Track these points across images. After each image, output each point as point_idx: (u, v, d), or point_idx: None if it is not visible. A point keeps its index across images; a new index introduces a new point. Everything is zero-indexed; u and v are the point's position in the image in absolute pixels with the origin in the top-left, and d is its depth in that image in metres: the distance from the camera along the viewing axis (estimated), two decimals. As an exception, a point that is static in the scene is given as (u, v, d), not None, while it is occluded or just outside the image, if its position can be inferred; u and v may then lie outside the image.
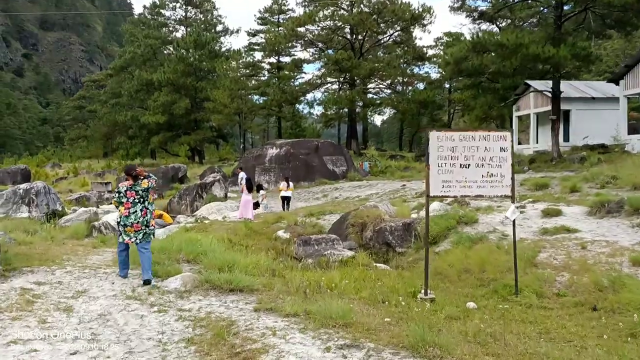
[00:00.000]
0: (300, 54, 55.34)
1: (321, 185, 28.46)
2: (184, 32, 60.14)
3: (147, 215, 7.76)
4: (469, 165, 7.64)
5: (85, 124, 77.29)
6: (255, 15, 79.05)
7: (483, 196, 7.86)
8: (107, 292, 6.71)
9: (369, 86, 54.83)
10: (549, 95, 34.33)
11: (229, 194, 26.73)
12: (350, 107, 47.12)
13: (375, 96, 56.92)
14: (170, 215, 20.11)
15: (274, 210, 21.84)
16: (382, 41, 54.59)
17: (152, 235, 7.88)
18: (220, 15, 65.09)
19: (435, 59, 60.41)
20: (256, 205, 20.74)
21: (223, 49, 58.34)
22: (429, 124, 65.64)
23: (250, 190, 18.91)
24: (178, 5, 60.72)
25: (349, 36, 49.71)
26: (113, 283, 7.08)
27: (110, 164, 49.55)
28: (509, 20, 41.42)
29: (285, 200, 21.52)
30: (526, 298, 7.50)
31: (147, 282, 7.24)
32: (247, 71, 56.76)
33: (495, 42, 25.81)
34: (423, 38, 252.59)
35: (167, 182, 32.46)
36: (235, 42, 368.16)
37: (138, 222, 7.60)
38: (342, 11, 46.35)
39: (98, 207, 23.49)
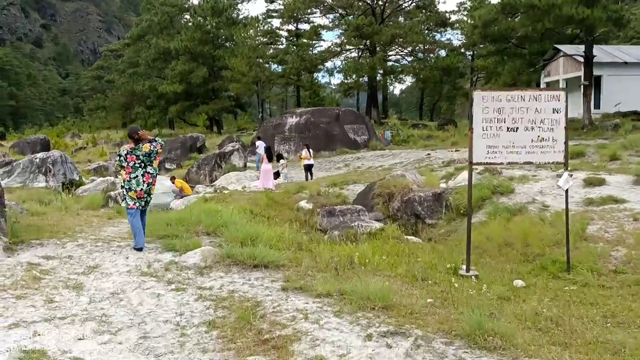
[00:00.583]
0: (319, 20, 53.88)
1: (342, 155, 27.72)
2: (201, -1, 58.91)
3: (150, 182, 7.35)
4: (517, 128, 6.85)
5: (103, 94, 77.03)
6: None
7: (532, 163, 7.09)
8: (121, 267, 6.16)
9: (389, 53, 53.35)
10: (580, 60, 32.85)
11: (248, 164, 26.15)
12: (371, 74, 45.87)
13: (396, 64, 55.45)
14: (190, 186, 19.62)
15: (294, 179, 21.23)
16: (403, 6, 52.83)
17: (147, 207, 7.59)
18: (237, -18, 63.43)
19: (458, 25, 58.43)
20: (276, 174, 20.15)
21: (240, 17, 57.06)
22: (451, 92, 64.17)
23: (270, 159, 18.29)
24: (195, -29, 59.32)
25: (369, 1, 48.08)
26: (127, 258, 6.53)
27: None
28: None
29: (308, 169, 20.86)
30: (580, 275, 6.78)
31: (138, 250, 7.05)
32: (265, 39, 55.55)
33: (526, 3, 24.46)
34: (447, 2, 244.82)
35: (185, 152, 32.00)
36: (253, 9, 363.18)
37: (142, 189, 7.24)
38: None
39: (116, 176, 23.14)
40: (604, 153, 17.56)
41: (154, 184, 7.51)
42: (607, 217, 8.95)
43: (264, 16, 56.35)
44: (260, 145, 25.49)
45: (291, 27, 56.13)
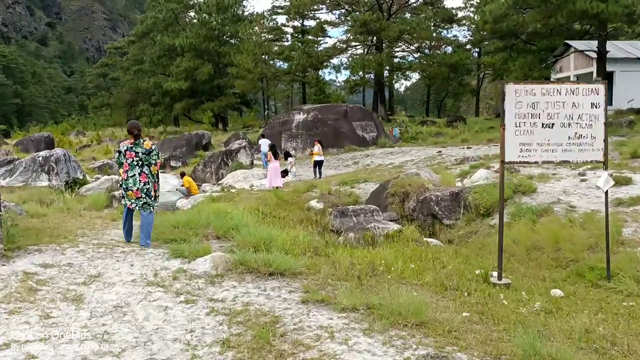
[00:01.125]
0: (325, 16, 53.12)
1: (351, 152, 27.20)
2: (206, -5, 58.35)
3: (147, 182, 7.03)
4: (553, 124, 6.32)
5: (108, 92, 76.72)
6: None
7: (569, 162, 6.56)
8: (125, 276, 5.66)
9: (395, 50, 52.70)
10: (591, 55, 32.23)
11: (255, 162, 25.67)
12: (378, 70, 45.24)
13: (402, 60, 54.78)
14: (196, 184, 19.14)
15: (302, 177, 20.73)
16: (410, 2, 52.17)
17: (152, 207, 7.21)
18: (242, -21, 62.82)
19: (464, 22, 57.79)
20: (284, 172, 19.67)
21: (246, 13, 56.55)
22: (457, 89, 63.46)
23: (276, 157, 17.81)
24: (200, -32, 58.76)
25: (375, -3, 47.48)
26: (132, 265, 6.03)
27: (134, 132, 48.83)
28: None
29: (318, 165, 20.31)
30: (622, 284, 6.24)
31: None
32: (271, 36, 55.03)
33: (539, -3, 23.89)
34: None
35: (190, 149, 31.55)
36: (258, 6, 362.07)
37: (138, 188, 6.98)
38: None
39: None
40: (624, 151, 17.00)
41: (153, 188, 7.14)
42: (641, 218, 8.41)
43: (269, 13, 55.85)
44: (264, 143, 25.08)
45: (297, 23, 55.59)
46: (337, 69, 49.69)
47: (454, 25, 57.80)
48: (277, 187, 17.02)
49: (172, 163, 30.41)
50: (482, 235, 10.01)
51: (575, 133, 6.34)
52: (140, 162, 6.94)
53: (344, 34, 54.15)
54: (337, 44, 52.07)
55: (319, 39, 56.18)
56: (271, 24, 54.96)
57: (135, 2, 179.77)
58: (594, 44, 31.49)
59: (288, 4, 52.20)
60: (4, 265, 5.74)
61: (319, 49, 52.59)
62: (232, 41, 55.04)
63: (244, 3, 58.73)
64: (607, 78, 32.29)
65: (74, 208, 10.45)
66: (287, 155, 21.43)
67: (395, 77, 56.57)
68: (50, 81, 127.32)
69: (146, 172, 6.99)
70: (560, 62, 35.78)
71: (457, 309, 4.99)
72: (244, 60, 45.82)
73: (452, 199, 11.93)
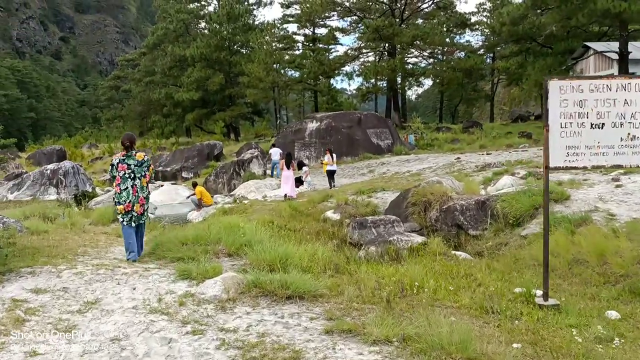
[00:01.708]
0: (336, 23, 52.82)
1: (366, 160, 26.52)
2: (216, 6, 58.24)
3: (137, 195, 6.81)
4: (603, 124, 5.62)
5: (120, 104, 76.83)
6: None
7: (622, 167, 5.85)
8: (126, 302, 5.04)
9: (408, 56, 52.04)
10: (611, 57, 31.35)
11: (267, 171, 25.09)
12: (391, 77, 44.59)
13: (414, 66, 54.13)
14: (209, 194, 18.55)
15: (317, 187, 20.10)
16: (422, 7, 51.57)
17: (139, 226, 6.96)
18: (252, -12, 62.74)
19: (477, 27, 57.14)
20: (298, 182, 19.08)
21: (256, 22, 56.32)
22: (471, 94, 62.64)
23: (289, 166, 17.23)
24: (210, -22, 58.75)
25: (387, 3, 46.92)
26: (134, 289, 5.41)
27: (146, 143, 48.61)
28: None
29: (331, 174, 19.71)
30: (687, 304, 5.51)
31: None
32: (282, 45, 54.70)
33: (559, -3, 23.14)
34: (468, 1, 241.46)
35: (202, 160, 31.11)
36: (268, 15, 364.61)
37: (130, 201, 6.77)
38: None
39: (152, 182, 22.26)
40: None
41: (139, 202, 6.87)
42: (693, 228, 7.65)
43: (280, 21, 55.58)
44: (275, 152, 24.66)
45: (308, 31, 55.25)
46: (349, 76, 49.13)
47: (467, 30, 57.21)
48: (289, 198, 16.44)
49: (184, 174, 29.97)
50: (514, 247, 9.28)
51: (629, 134, 5.64)
52: (133, 175, 6.77)
53: (355, 42, 53.76)
54: (349, 51, 51.61)
55: (330, 46, 55.78)
56: (282, 32, 54.70)
57: (147, 15, 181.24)
58: (613, 45, 30.63)
59: (299, 12, 51.89)
60: (-9, 291, 5.16)
61: (330, 56, 52.17)
62: (243, 50, 54.79)
63: (255, 12, 58.28)
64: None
65: (79, 223, 9.90)
66: (300, 164, 20.82)
67: (407, 83, 55.92)
68: (64, 95, 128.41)
69: (137, 185, 6.78)
70: (579, 64, 34.90)
71: (505, 338, 4.30)
72: (255, 69, 45.45)
73: (478, 208, 11.21)
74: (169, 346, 4.12)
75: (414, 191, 12.95)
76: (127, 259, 6.75)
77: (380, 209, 14.44)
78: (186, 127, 60.51)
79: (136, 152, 6.86)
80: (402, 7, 46.94)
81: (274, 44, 52.08)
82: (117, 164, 6.80)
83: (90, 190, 17.96)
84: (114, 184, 6.96)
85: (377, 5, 48.01)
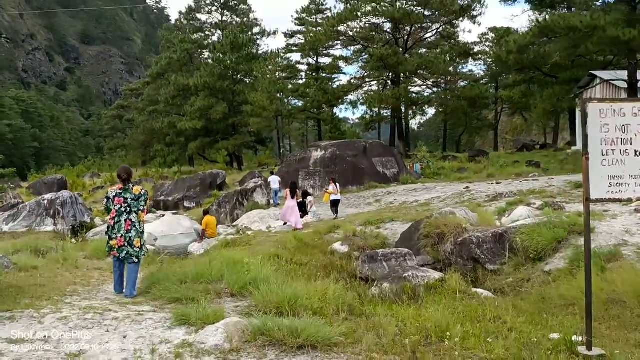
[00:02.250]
0: (339, 52, 53.07)
1: (372, 189, 25.94)
2: (220, 36, 58.68)
3: (130, 230, 6.58)
4: (649, 151, 5.07)
5: (123, 134, 76.96)
6: (292, 16, 77.35)
7: (671, 198, 5.30)
8: (114, 354, 4.40)
9: (412, 85, 52.06)
10: (619, 85, 31.03)
11: (271, 201, 24.52)
12: (396, 105, 44.42)
13: (416, 95, 54.16)
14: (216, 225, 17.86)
15: (322, 217, 19.50)
16: (425, 37, 51.78)
17: (137, 258, 6.71)
18: (256, 19, 63.33)
19: (480, 56, 57.33)
20: (303, 211, 18.51)
21: (260, 52, 56.60)
22: (475, 123, 62.51)
23: (293, 195, 16.72)
24: (214, 9, 59.30)
25: (391, 32, 47.10)
26: (125, 337, 4.77)
27: (148, 172, 48.25)
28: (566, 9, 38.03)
29: (336, 204, 19.16)
30: None
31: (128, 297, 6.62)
32: (285, 74, 54.86)
33: (566, 25, 22.81)
34: (472, 31, 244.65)
35: (205, 189, 30.57)
36: (272, 44, 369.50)
37: (121, 235, 6.56)
38: (384, 5, 43.55)
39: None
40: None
41: (137, 236, 6.62)
42: None
43: (283, 51, 55.84)
44: (274, 180, 24.24)
45: (311, 60, 55.46)
46: (353, 104, 48.94)
47: (469, 60, 57.37)
48: (293, 227, 15.89)
49: (186, 204, 29.41)
50: (538, 284, 8.62)
51: (677, 161, 5.07)
52: (129, 209, 6.61)
53: (358, 72, 53.80)
54: (352, 80, 51.63)
55: (333, 75, 55.91)
56: (285, 62, 54.89)
57: (152, 47, 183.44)
58: (620, 73, 30.34)
59: (302, 41, 52.13)
60: (-40, 341, 4.53)
61: (333, 85, 52.23)
62: (247, 79, 54.91)
63: (258, 42, 58.60)
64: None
65: (72, 257, 9.27)
66: (305, 194, 20.27)
67: (412, 112, 55.86)
68: (68, 124, 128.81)
69: (132, 219, 6.61)
70: (585, 93, 34.56)
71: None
72: (258, 98, 45.35)
73: (496, 240, 10.58)
74: (162, 412, 3.49)
75: (426, 222, 12.35)
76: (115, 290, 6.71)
77: (390, 240, 13.84)
78: (189, 156, 60.31)
79: (133, 186, 6.73)
80: (406, 37, 47.07)
81: (277, 73, 52.23)
82: (114, 197, 6.66)
83: (88, 221, 17.40)
84: (108, 218, 6.73)
85: (381, 35, 48.17)
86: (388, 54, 39.19)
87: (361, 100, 48.68)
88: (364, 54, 48.92)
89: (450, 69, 50.67)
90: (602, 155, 5.05)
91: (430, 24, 47.83)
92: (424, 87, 55.06)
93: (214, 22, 60.56)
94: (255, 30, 60.69)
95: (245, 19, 60.60)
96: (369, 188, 26.47)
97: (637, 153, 5.06)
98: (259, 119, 47.34)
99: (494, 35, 57.22)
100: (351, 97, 50.15)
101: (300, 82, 55.75)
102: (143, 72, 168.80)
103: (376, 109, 50.87)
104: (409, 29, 46.38)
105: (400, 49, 44.01)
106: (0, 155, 45.31)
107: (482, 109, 56.09)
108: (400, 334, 5.16)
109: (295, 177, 27.19)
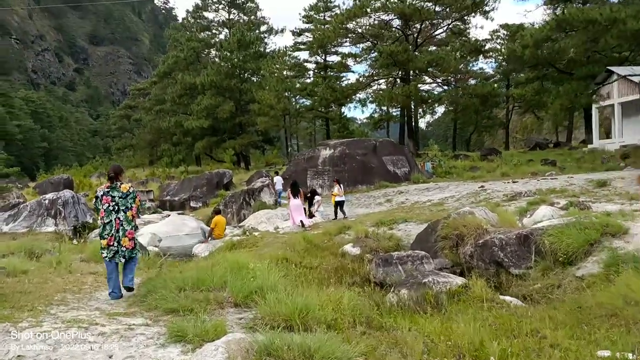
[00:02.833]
0: (348, 49, 52.08)
1: (382, 189, 25.21)
2: (227, 34, 58.15)
3: (119, 229, 6.34)
4: None
5: (131, 133, 76.70)
6: (300, 14, 76.78)
7: None
8: (95, 379, 3.75)
9: (421, 83, 51.29)
10: (637, 82, 30.12)
11: (279, 201, 23.89)
12: (406, 103, 43.64)
13: (425, 94, 53.41)
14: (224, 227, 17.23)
15: (330, 217, 18.82)
16: (435, 34, 50.95)
17: (130, 259, 6.50)
18: (264, 17, 62.75)
19: (491, 54, 56.40)
20: (310, 213, 17.95)
21: (268, 50, 55.97)
22: (486, 122, 61.58)
23: (295, 195, 16.20)
24: (221, 7, 58.77)
25: (401, 29, 46.30)
26: (110, 357, 4.12)
27: (155, 172, 47.82)
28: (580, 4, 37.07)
29: (340, 205, 18.52)
30: None
31: (128, 289, 6.43)
32: (293, 72, 54.21)
33: (585, 18, 22.03)
34: (484, 27, 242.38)
35: (211, 189, 30.00)
36: (280, 42, 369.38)
37: (112, 234, 6.34)
38: (393, 2, 42.76)
39: (138, 217, 21.12)
40: None
41: (127, 236, 6.40)
42: None
43: (291, 49, 55.18)
44: (278, 180, 24.00)
45: (319, 59, 54.77)
46: (362, 102, 48.18)
47: (480, 57, 56.48)
48: (303, 225, 15.31)
49: (192, 203, 28.86)
50: (570, 291, 7.89)
51: None
52: (117, 207, 6.38)
53: (367, 70, 53.05)
54: (361, 78, 50.88)
55: (341, 74, 55.22)
56: (293, 60, 54.25)
57: (160, 47, 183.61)
58: (637, 69, 29.45)
59: (310, 39, 51.45)
60: None
61: (342, 84, 51.54)
62: (254, 78, 54.36)
63: (266, 40, 57.99)
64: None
65: (66, 260, 8.66)
66: (314, 193, 19.62)
67: (421, 110, 55.05)
68: (76, 125, 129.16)
69: (121, 217, 6.37)
70: (604, 89, 33.66)
71: None
72: (266, 97, 44.72)
73: (520, 242, 9.84)
74: None
75: (443, 223, 11.61)
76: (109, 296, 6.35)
77: (404, 242, 13.13)
78: (196, 156, 59.88)
79: (121, 184, 6.53)
80: (416, 34, 46.27)
81: (285, 72, 51.57)
82: (102, 196, 6.45)
83: (90, 221, 16.83)
84: (99, 217, 6.44)
85: (390, 32, 47.38)
86: (398, 51, 38.41)
87: (370, 99, 47.94)
88: (373, 51, 48.17)
89: (461, 66, 49.86)
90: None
91: (440, 20, 46.98)
92: (433, 85, 54.31)
93: (221, 21, 60.10)
94: (263, 28, 60.10)
95: (253, 17, 60.03)
96: (379, 187, 25.75)
97: None
98: (266, 117, 46.71)
99: (505, 32, 56.32)
100: (360, 95, 49.46)
101: (308, 80, 55.10)
102: (151, 72, 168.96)
103: (385, 108, 50.10)
104: (419, 26, 45.56)
105: (410, 46, 43.19)
106: (5, 155, 44.94)
107: (493, 107, 55.20)
108: (429, 352, 4.48)
109: (304, 176, 26.55)
